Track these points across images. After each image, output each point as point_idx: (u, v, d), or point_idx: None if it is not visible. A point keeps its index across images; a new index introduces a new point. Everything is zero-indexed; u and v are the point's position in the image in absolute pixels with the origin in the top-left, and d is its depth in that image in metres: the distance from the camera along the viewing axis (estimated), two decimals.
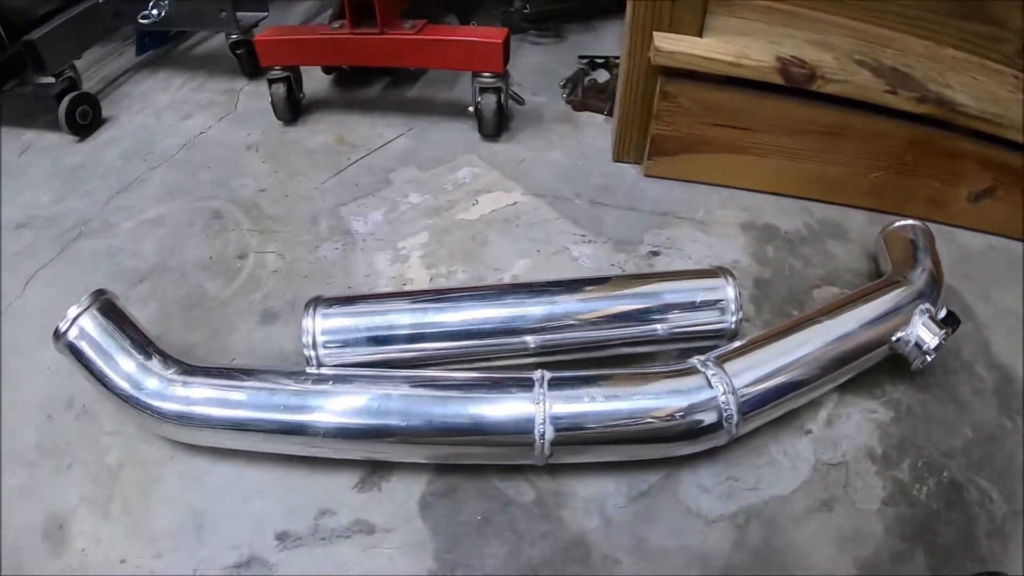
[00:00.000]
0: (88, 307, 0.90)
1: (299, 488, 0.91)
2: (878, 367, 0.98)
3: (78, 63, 1.70)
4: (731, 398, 0.83)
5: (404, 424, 0.82)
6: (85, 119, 1.62)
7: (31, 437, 0.99)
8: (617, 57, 1.62)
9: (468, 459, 0.89)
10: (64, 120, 1.57)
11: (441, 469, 0.92)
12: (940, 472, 0.91)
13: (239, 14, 1.66)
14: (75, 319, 0.89)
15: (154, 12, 1.66)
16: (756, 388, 0.86)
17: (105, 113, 1.69)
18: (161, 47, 2.02)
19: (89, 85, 1.79)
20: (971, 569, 0.83)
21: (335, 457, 0.91)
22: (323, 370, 0.91)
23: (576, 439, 0.82)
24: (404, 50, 1.41)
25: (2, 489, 0.94)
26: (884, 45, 1.27)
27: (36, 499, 0.92)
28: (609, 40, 1.87)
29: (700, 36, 1.19)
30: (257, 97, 1.71)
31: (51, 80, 1.61)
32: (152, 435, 0.96)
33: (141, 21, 1.68)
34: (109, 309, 0.92)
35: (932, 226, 1.15)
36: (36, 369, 1.08)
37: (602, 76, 1.61)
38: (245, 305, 1.16)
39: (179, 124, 1.65)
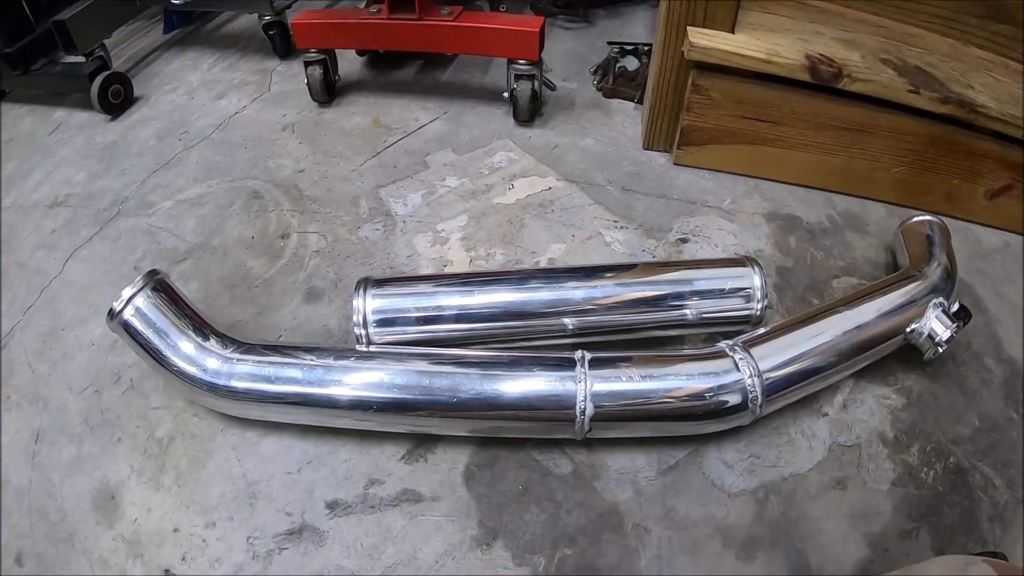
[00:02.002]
0: (142, 287, 0.92)
1: (348, 459, 0.96)
2: (892, 356, 1.03)
3: (106, 40, 1.71)
4: (756, 381, 0.89)
5: (453, 399, 0.88)
6: (117, 98, 1.64)
7: (79, 411, 1.03)
8: (646, 44, 1.64)
9: (511, 433, 0.94)
10: (97, 99, 1.59)
11: (482, 442, 0.97)
12: (947, 457, 0.97)
13: None
14: (130, 299, 0.92)
15: None
16: (779, 372, 0.91)
17: (136, 92, 1.71)
18: (189, 25, 2.03)
19: (118, 63, 1.82)
20: (973, 549, 0.89)
21: (382, 430, 0.96)
22: (373, 348, 0.96)
23: (613, 415, 0.88)
24: (441, 36, 1.43)
25: (51, 462, 0.98)
26: (909, 43, 1.30)
27: (86, 472, 0.96)
28: (636, 26, 1.89)
29: (732, 32, 1.22)
30: (290, 78, 1.73)
31: (82, 59, 1.63)
32: (201, 409, 1.01)
33: (173, 2, 1.69)
34: (163, 289, 0.95)
35: (949, 221, 1.20)
36: (82, 345, 1.12)
37: (631, 63, 1.63)
38: (289, 284, 1.20)
39: (213, 104, 1.67)
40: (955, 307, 1.02)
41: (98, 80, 1.59)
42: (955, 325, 0.97)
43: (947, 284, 1.04)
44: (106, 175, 1.47)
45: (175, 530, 0.90)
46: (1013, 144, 1.22)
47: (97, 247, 1.30)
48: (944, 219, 1.18)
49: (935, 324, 0.98)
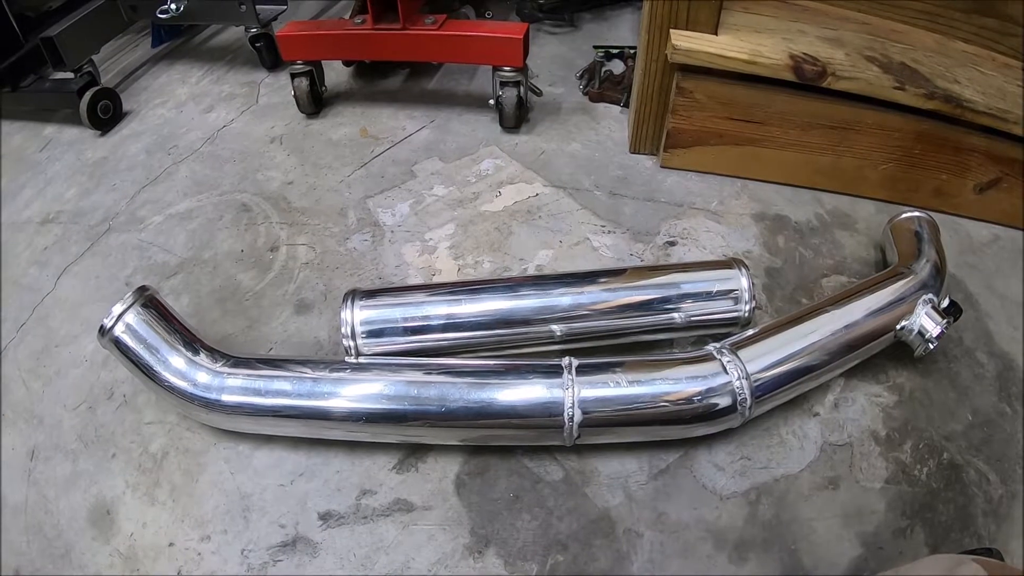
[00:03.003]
0: (133, 304, 0.93)
1: (340, 470, 0.96)
2: (883, 353, 1.03)
3: (95, 56, 1.71)
4: (745, 383, 0.89)
5: (442, 409, 0.88)
6: (107, 113, 1.64)
7: (73, 428, 1.04)
8: (632, 47, 1.64)
9: (501, 441, 0.94)
10: (86, 115, 1.60)
11: (473, 451, 0.97)
12: (940, 454, 0.97)
13: (258, 8, 1.67)
14: (120, 316, 0.92)
15: (173, 6, 1.66)
16: (768, 374, 0.91)
17: (125, 106, 1.71)
18: (177, 39, 2.03)
19: (107, 78, 1.82)
20: (968, 545, 0.89)
21: (373, 441, 0.96)
22: (362, 359, 0.97)
23: (602, 421, 0.88)
24: (425, 45, 1.43)
25: (47, 479, 0.98)
26: (894, 40, 1.30)
27: (81, 488, 0.97)
28: (622, 29, 1.89)
29: (716, 33, 1.22)
30: (278, 89, 1.73)
31: (70, 75, 1.63)
32: (194, 423, 1.01)
33: (159, 16, 1.69)
34: (153, 305, 0.95)
35: (939, 216, 1.20)
36: (75, 361, 1.13)
37: (617, 67, 1.63)
38: (279, 296, 1.21)
39: (201, 117, 1.67)
40: (945, 303, 1.02)
41: (87, 96, 1.59)
42: (945, 321, 0.97)
43: (936, 280, 1.04)
44: (96, 191, 1.48)
45: (170, 544, 0.90)
46: (1001, 138, 1.21)
47: (89, 263, 1.30)
48: (933, 214, 1.18)
49: (925, 320, 0.98)
